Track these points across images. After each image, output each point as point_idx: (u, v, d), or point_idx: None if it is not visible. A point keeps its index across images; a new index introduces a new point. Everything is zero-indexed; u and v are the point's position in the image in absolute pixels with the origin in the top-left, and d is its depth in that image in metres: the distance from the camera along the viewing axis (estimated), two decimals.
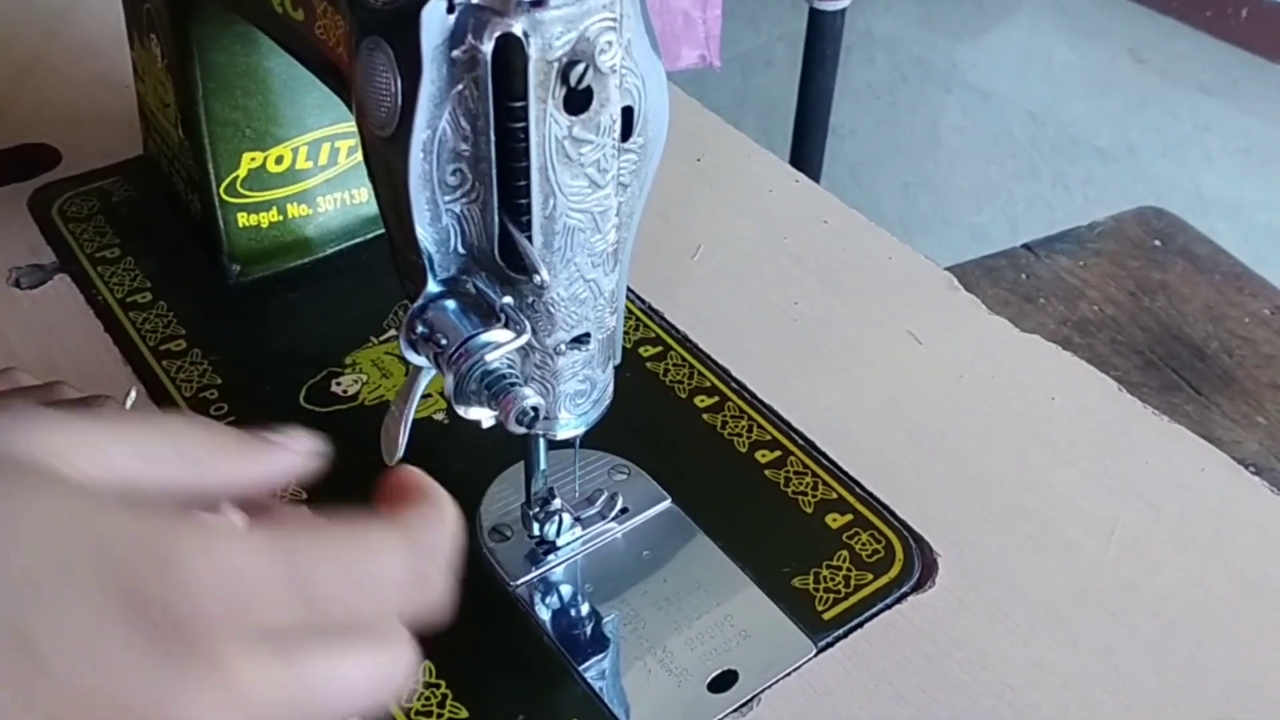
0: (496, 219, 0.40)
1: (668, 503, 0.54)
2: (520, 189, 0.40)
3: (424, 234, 0.40)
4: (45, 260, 0.65)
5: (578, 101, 0.38)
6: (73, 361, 0.60)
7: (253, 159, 0.62)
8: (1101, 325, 1.17)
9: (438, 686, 0.47)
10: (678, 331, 0.64)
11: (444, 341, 0.41)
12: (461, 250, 0.41)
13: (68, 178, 0.71)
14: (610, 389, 0.48)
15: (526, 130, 0.38)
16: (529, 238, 0.40)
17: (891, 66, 2.42)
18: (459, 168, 0.39)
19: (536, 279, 0.41)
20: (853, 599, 0.51)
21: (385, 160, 0.41)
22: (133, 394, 0.54)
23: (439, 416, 0.58)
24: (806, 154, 1.61)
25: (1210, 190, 2.12)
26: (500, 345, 0.41)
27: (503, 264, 0.41)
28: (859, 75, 2.33)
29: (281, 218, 0.64)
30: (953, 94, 2.37)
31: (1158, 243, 1.27)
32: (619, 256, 0.44)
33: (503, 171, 0.39)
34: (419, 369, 0.44)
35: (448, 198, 0.40)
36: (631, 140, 0.43)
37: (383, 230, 0.68)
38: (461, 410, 0.42)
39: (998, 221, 2.12)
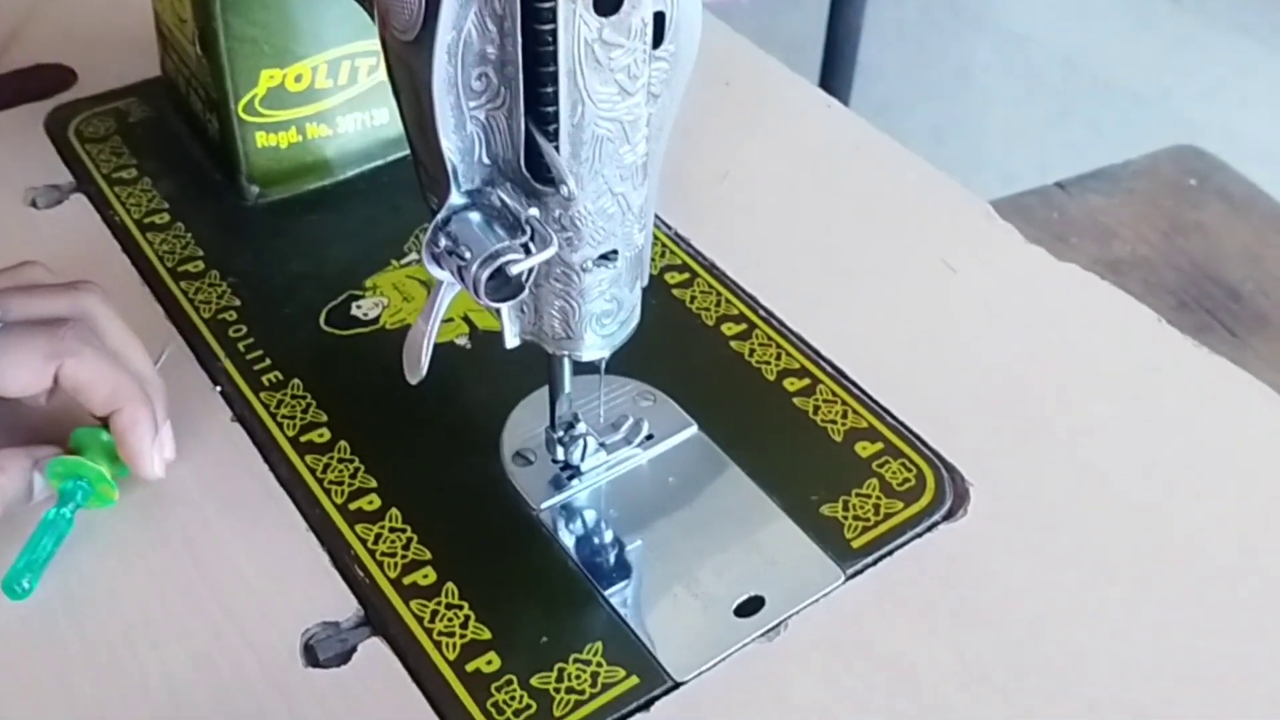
0: (523, 127, 0.39)
1: (694, 429, 0.53)
2: (547, 95, 0.38)
3: (448, 142, 0.39)
4: (62, 181, 0.64)
5: (609, 2, 0.37)
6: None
7: (271, 77, 0.60)
8: (1134, 265, 1.15)
9: (460, 608, 0.46)
10: (705, 258, 0.62)
11: (467, 254, 0.40)
12: (486, 160, 0.40)
13: (84, 98, 0.69)
14: (637, 310, 0.47)
15: (555, 32, 0.37)
16: (556, 147, 0.39)
17: (921, 6, 2.37)
18: (484, 72, 0.38)
19: (563, 190, 0.39)
20: (882, 527, 0.50)
21: (408, 66, 0.40)
22: (166, 352, 0.54)
23: (461, 341, 0.57)
24: (833, 94, 1.58)
25: (1246, 135, 2.08)
26: (526, 258, 0.39)
27: (528, 175, 0.40)
28: (888, 14, 2.28)
29: (301, 138, 0.63)
30: (984, 35, 2.32)
31: (1193, 182, 1.25)
32: (648, 170, 0.42)
33: (530, 76, 0.38)
34: (442, 284, 0.42)
35: (472, 104, 0.38)
36: (663, 48, 0.41)
37: (404, 153, 0.67)
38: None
39: (1028, 165, 2.08)
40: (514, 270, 0.39)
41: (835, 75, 1.74)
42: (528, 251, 0.40)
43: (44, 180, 0.64)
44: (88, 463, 0.47)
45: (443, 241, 0.40)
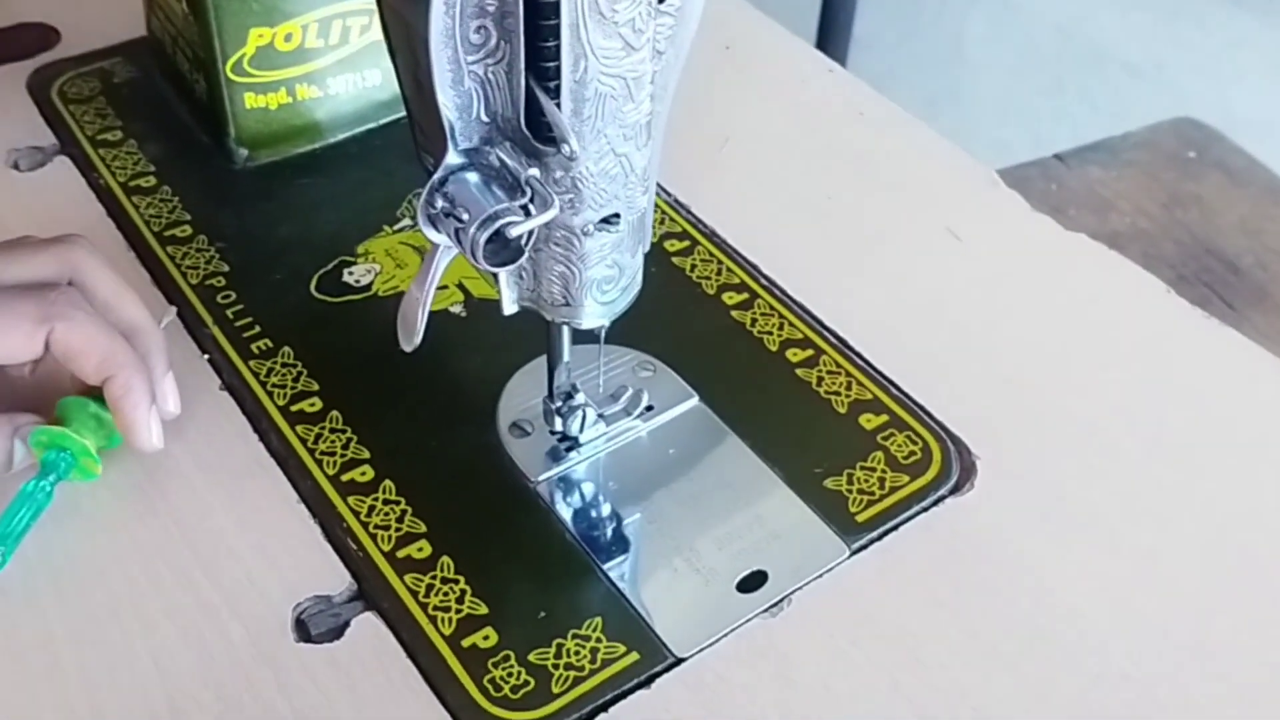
0: (523, 82, 0.37)
1: (695, 400, 0.52)
2: (549, 50, 0.37)
3: (445, 98, 0.37)
4: (45, 142, 0.63)
5: None
6: None
7: (260, 36, 0.59)
8: (1133, 238, 1.14)
9: (456, 582, 0.45)
10: (705, 226, 0.61)
11: (465, 216, 0.38)
12: (485, 117, 0.38)
13: (68, 58, 0.67)
14: (639, 277, 0.45)
15: None
16: (557, 104, 0.38)
17: None
18: (483, 24, 0.36)
19: (565, 149, 0.38)
20: (887, 501, 0.49)
21: (403, 19, 0.38)
22: (169, 315, 0.53)
23: (456, 309, 0.55)
24: None
25: (1241, 109, 2.06)
26: (526, 220, 0.38)
27: (528, 133, 0.38)
28: None
29: (291, 99, 0.61)
30: (978, 5, 2.30)
31: (1192, 154, 1.23)
32: (652, 131, 0.41)
33: (530, 29, 0.36)
34: (438, 247, 0.41)
35: (471, 58, 0.37)
36: (668, 3, 0.40)
37: (397, 116, 0.65)
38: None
39: (1021, 137, 2.07)
40: (514, 233, 0.38)
41: (830, 45, 1.72)
42: (528, 213, 0.38)
43: (27, 142, 0.63)
44: (71, 434, 0.45)
45: (439, 203, 0.39)
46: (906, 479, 0.50)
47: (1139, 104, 2.08)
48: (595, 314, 0.44)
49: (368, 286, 0.56)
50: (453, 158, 0.39)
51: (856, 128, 0.67)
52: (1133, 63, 2.19)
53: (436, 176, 0.39)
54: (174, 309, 0.53)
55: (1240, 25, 2.24)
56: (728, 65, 0.70)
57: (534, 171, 0.38)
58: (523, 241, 0.39)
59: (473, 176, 0.39)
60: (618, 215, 0.42)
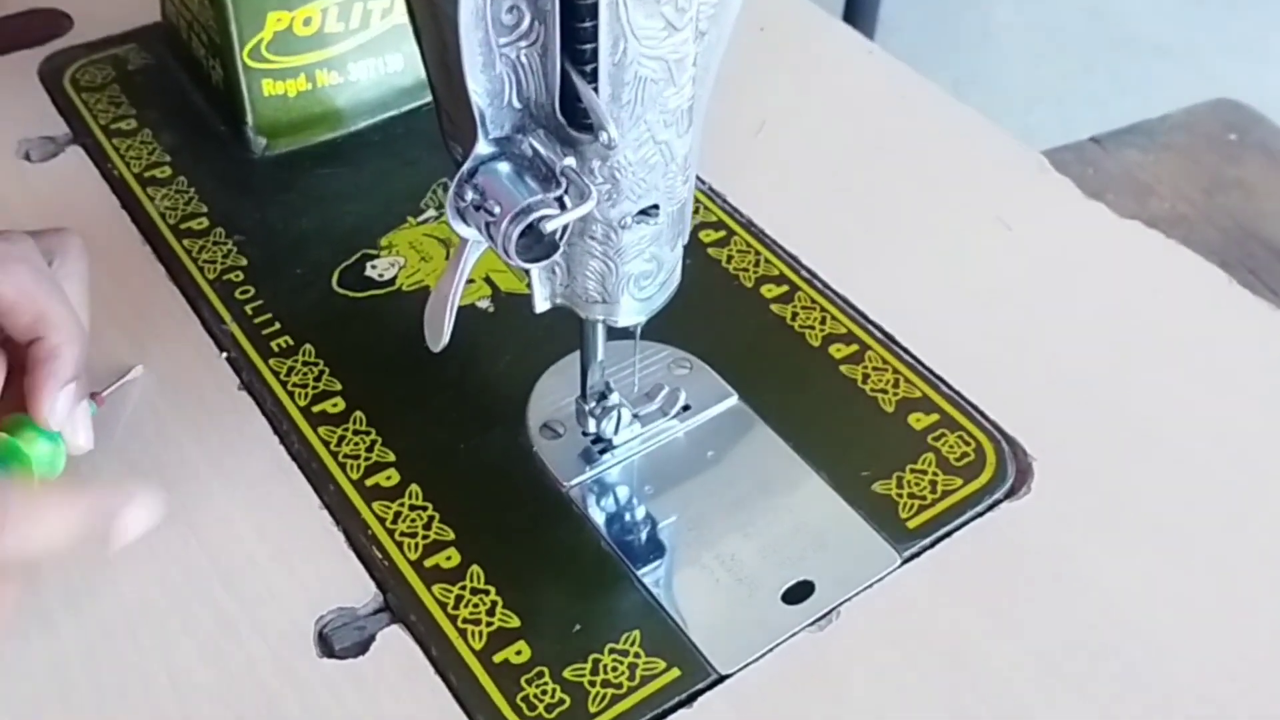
0: (558, 66, 0.35)
1: (734, 399, 0.50)
2: (586, 30, 0.34)
3: (475, 84, 0.35)
4: (57, 132, 0.60)
5: None
6: (88, 241, 0.54)
7: (279, 20, 0.56)
8: (1174, 223, 1.10)
9: (486, 593, 0.43)
10: (742, 215, 0.58)
11: (496, 209, 0.36)
12: (517, 104, 0.36)
13: (80, 45, 0.65)
14: (678, 271, 0.43)
15: None
16: (595, 89, 0.35)
17: None
18: (516, 4, 0.34)
19: (602, 138, 0.35)
20: (940, 506, 0.46)
21: (431, 0, 0.36)
22: (133, 373, 0.49)
23: (484, 304, 0.53)
24: None
25: (1275, 91, 2.02)
26: (562, 213, 0.35)
27: (564, 120, 0.36)
28: None
29: (310, 86, 0.59)
30: None
31: (1233, 137, 1.20)
32: (693, 116, 0.38)
33: (566, 9, 0.34)
34: (466, 242, 0.39)
35: (503, 40, 0.34)
36: None
37: (421, 103, 0.63)
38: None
39: (1050, 122, 2.03)
40: (549, 227, 0.35)
41: (856, 28, 1.69)
42: (563, 206, 0.36)
43: (38, 132, 0.60)
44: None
45: (469, 195, 0.36)
46: (959, 482, 0.47)
47: (1171, 86, 2.04)
48: (632, 311, 0.42)
49: (391, 281, 0.54)
50: (483, 147, 0.36)
51: (898, 111, 0.64)
52: (1163, 44, 2.14)
53: (466, 167, 0.36)
54: (140, 368, 0.49)
55: (1272, 6, 2.19)
56: (762, 46, 0.67)
57: (570, 161, 0.36)
58: (558, 236, 0.37)
59: (504, 167, 0.37)
60: (657, 206, 0.39)
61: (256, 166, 0.59)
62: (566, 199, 0.36)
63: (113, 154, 0.59)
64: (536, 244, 0.37)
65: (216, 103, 0.61)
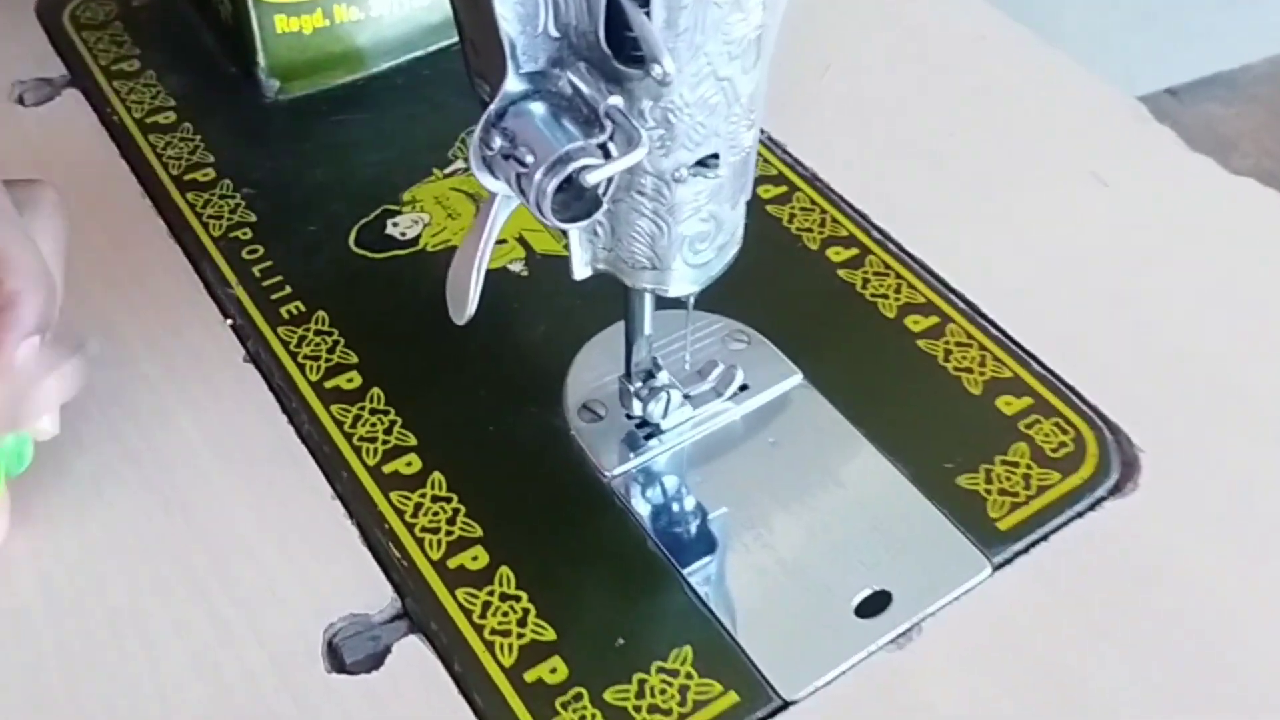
0: None
1: (798, 378, 0.44)
2: None
3: (503, 8, 0.29)
4: (54, 74, 0.55)
5: None
6: (83, 192, 0.50)
7: None
8: (1259, 181, 1.03)
9: (517, 599, 0.38)
10: (805, 168, 0.52)
11: (529, 159, 0.30)
12: (554, 32, 0.30)
13: None
14: (739, 233, 0.37)
15: None
16: (647, 13, 0.29)
17: None
18: None
19: (655, 72, 0.29)
20: (1035, 504, 0.40)
21: None
22: (91, 344, 0.40)
23: (516, 267, 0.48)
24: None
25: None
26: (606, 163, 0.30)
27: (609, 51, 0.30)
28: None
29: (328, 22, 0.53)
30: None
31: None
32: (761, 48, 0.32)
33: None
34: (495, 197, 0.33)
35: None
36: None
37: (450, 41, 0.57)
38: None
39: (1109, 73, 1.93)
40: (590, 180, 0.29)
41: None
42: (607, 154, 0.30)
43: (33, 73, 0.55)
44: None
45: (497, 142, 0.31)
46: (1056, 476, 0.41)
47: (1236, 37, 1.94)
48: (686, 279, 0.36)
49: (415, 240, 0.49)
50: (513, 84, 0.31)
51: (979, 53, 0.58)
52: None
53: (494, 108, 0.31)
54: (98, 339, 0.41)
55: None
56: None
57: (616, 100, 0.30)
58: (600, 191, 0.31)
59: (538, 108, 0.31)
60: (716, 156, 0.33)
61: (268, 112, 0.54)
62: (611, 146, 0.30)
63: (113, 98, 0.54)
64: (576, 200, 0.31)
65: (226, 42, 0.55)
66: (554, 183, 0.30)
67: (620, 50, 0.30)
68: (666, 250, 0.35)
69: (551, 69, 0.31)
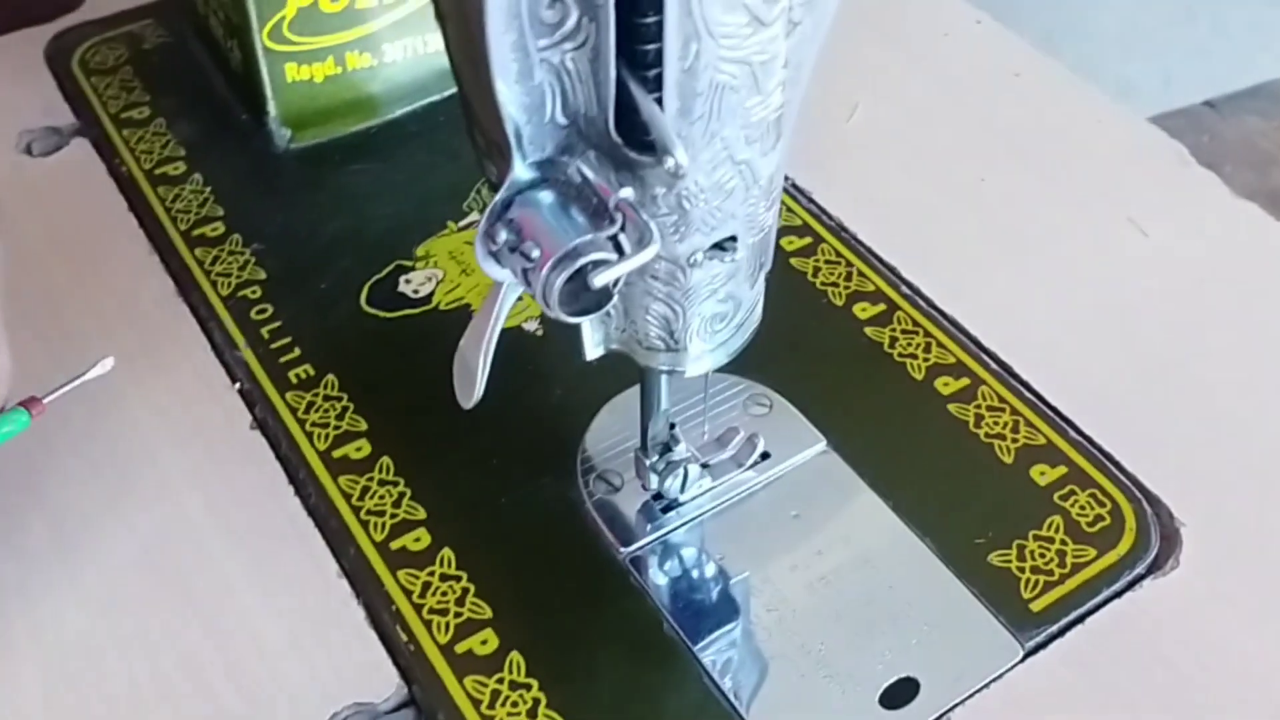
0: (613, 74, 0.27)
1: (822, 446, 0.42)
2: (649, 29, 0.27)
3: (508, 96, 0.28)
4: (62, 122, 0.54)
5: None
6: (88, 246, 0.49)
7: None
8: None
9: (528, 688, 0.36)
10: (830, 218, 0.50)
11: (535, 253, 0.29)
12: (562, 119, 0.29)
13: (92, 21, 0.59)
14: (759, 308, 0.36)
15: None
16: (659, 101, 0.28)
17: None
18: None
19: (668, 162, 0.28)
20: (1070, 584, 0.39)
21: None
22: (100, 366, 0.39)
23: (531, 326, 0.46)
24: None
25: None
26: (616, 262, 0.28)
27: (619, 140, 0.29)
28: None
29: (340, 69, 0.52)
30: None
31: None
32: (781, 128, 0.31)
33: (623, 2, 0.26)
34: (502, 285, 0.32)
35: (543, 42, 0.27)
36: None
37: None
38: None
39: (1148, 73, 1.89)
40: (598, 282, 0.28)
41: None
42: (618, 247, 0.29)
43: (41, 121, 0.54)
44: None
45: (502, 235, 0.29)
46: (1092, 552, 0.39)
47: (1278, 47, 1.90)
48: (703, 359, 0.35)
49: (427, 298, 0.47)
50: (520, 171, 0.29)
51: (1012, 93, 0.56)
52: None
53: (500, 198, 0.29)
54: (110, 360, 0.39)
55: None
56: (854, 17, 0.58)
57: (626, 193, 0.28)
58: (610, 285, 0.29)
59: (546, 197, 0.29)
60: (734, 239, 0.32)
61: (279, 162, 0.52)
62: (622, 238, 0.29)
63: (122, 148, 0.53)
64: (584, 292, 0.29)
65: (238, 89, 0.54)
66: (561, 279, 0.28)
67: (631, 135, 0.29)
68: (683, 333, 0.34)
69: (560, 157, 0.29)
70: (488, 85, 0.28)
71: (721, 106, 0.28)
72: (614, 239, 0.29)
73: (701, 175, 0.30)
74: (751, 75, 0.28)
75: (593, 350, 0.35)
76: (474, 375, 0.33)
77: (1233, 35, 1.94)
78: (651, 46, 0.27)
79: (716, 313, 0.34)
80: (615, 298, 0.31)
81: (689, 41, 0.27)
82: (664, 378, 0.37)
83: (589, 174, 0.29)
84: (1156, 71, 1.90)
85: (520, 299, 0.33)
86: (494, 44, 0.27)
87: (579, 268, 0.28)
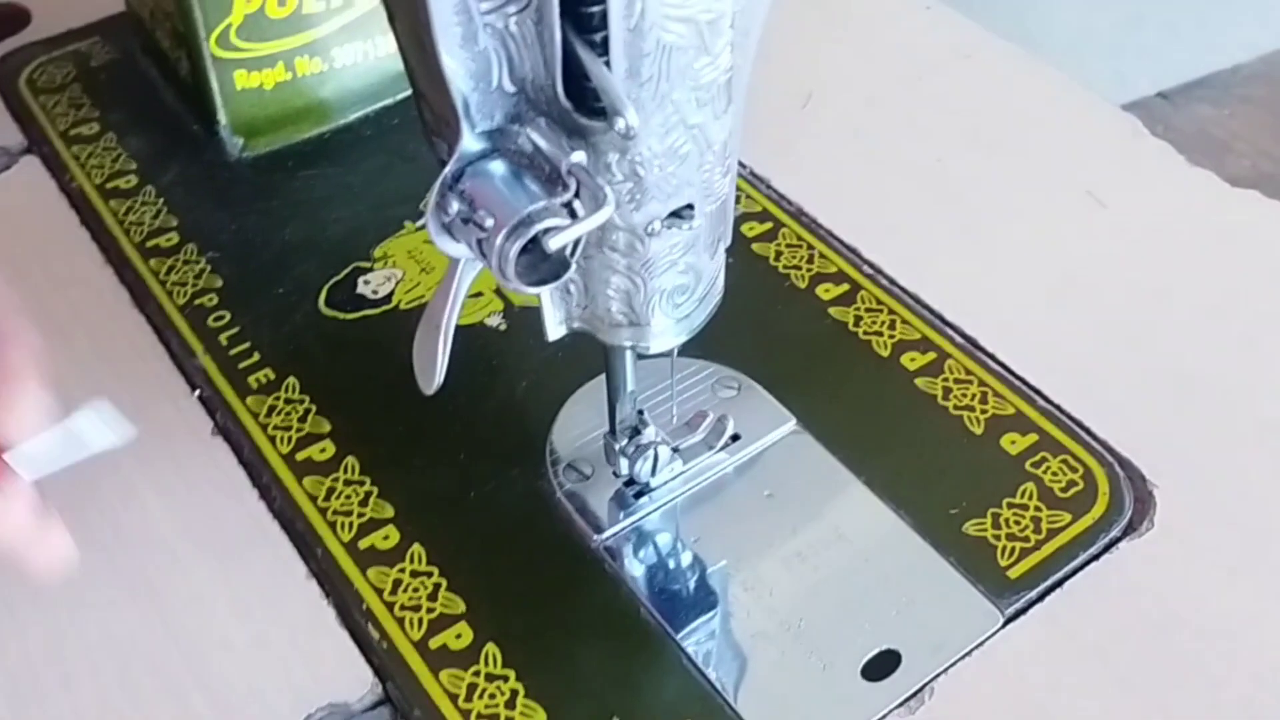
0: (558, 36, 0.27)
1: (792, 425, 0.42)
2: None
3: (452, 64, 0.27)
4: (11, 142, 0.54)
5: None
6: (42, 263, 0.48)
7: (248, 1, 0.49)
8: (1256, 182, 1.01)
9: (504, 679, 0.36)
10: (790, 203, 0.50)
11: (489, 222, 0.28)
12: (510, 86, 0.28)
13: (39, 41, 0.58)
14: (720, 282, 0.35)
15: None
16: (607, 63, 0.27)
17: None
18: None
19: (619, 125, 0.28)
20: (1046, 549, 0.39)
21: None
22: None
23: (494, 321, 0.46)
24: None
25: None
26: (571, 224, 0.28)
27: (569, 105, 0.28)
28: None
29: (290, 75, 0.51)
30: None
31: None
32: (732, 91, 0.31)
33: None
34: (458, 261, 0.31)
35: (486, 6, 0.27)
36: None
37: None
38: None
39: (1102, 76, 1.91)
40: (553, 244, 0.28)
41: None
42: (572, 214, 0.28)
43: None
44: None
45: (454, 206, 0.29)
46: (1067, 517, 0.39)
47: (1228, 34, 1.92)
48: (666, 333, 0.34)
49: (387, 298, 0.47)
50: (469, 142, 0.29)
51: (965, 74, 0.56)
52: None
53: (449, 169, 0.29)
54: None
55: None
56: (806, 4, 0.59)
57: (578, 157, 0.28)
58: (568, 252, 0.29)
59: (498, 167, 0.29)
60: (691, 206, 0.31)
61: (233, 170, 0.52)
62: (577, 204, 0.28)
63: (71, 163, 0.52)
64: (542, 262, 0.29)
65: (187, 100, 0.53)
66: (516, 246, 0.28)
67: (581, 102, 0.28)
68: (644, 306, 0.33)
69: (509, 125, 0.29)
70: (432, 52, 0.27)
71: (670, 67, 0.28)
72: (568, 205, 0.28)
73: (654, 140, 0.29)
74: (699, 34, 0.28)
75: (554, 329, 0.34)
76: (434, 359, 0.33)
77: (1181, 35, 1.96)
78: (595, 8, 0.27)
79: (678, 285, 0.33)
80: (574, 269, 0.30)
81: (633, 1, 0.27)
82: (628, 356, 0.37)
83: (540, 141, 0.29)
84: (1110, 73, 1.92)
85: (479, 280, 0.33)
86: (435, 10, 0.26)
87: (533, 235, 0.28)
